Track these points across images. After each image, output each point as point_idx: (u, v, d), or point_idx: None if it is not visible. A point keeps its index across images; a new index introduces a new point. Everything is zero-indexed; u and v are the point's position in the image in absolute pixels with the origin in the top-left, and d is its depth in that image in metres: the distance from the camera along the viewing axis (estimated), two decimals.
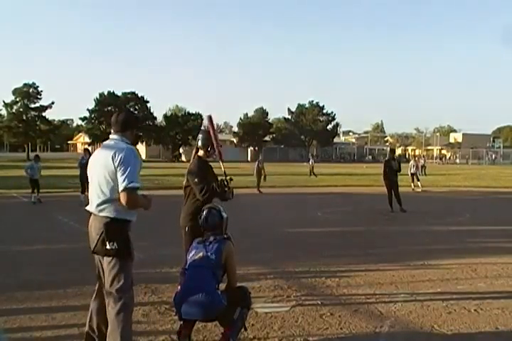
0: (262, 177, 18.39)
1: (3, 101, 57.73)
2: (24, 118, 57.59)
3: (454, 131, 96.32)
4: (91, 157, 3.46)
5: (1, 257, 6.83)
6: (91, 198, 3.30)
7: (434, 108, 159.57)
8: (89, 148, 19.14)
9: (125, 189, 3.10)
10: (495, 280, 5.62)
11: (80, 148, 78.15)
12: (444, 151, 79.03)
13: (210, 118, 4.51)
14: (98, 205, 3.21)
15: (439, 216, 11.93)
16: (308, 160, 26.67)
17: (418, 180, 19.67)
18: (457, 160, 67.95)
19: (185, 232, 4.40)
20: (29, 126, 57.60)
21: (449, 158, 73.53)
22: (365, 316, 4.34)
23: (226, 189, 4.27)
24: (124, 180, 3.10)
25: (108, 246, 3.12)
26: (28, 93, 57.48)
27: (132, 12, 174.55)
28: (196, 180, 4.27)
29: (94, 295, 3.42)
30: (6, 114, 59.58)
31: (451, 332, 4.00)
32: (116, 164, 3.13)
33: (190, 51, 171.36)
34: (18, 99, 57.61)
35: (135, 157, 3.22)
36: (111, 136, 3.39)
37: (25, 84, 57.51)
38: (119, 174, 3.13)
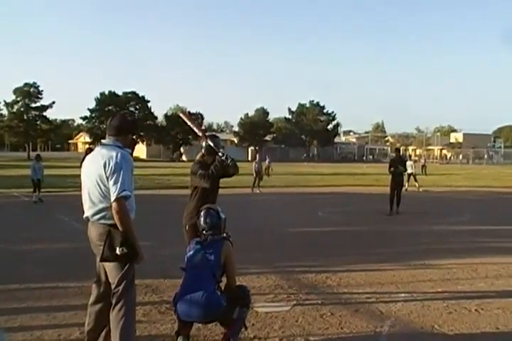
0: (259, 176, 18.35)
1: (4, 101, 57.81)
2: (25, 117, 57.55)
3: (455, 130, 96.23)
4: (83, 164, 3.40)
5: (1, 256, 6.84)
6: (85, 206, 3.29)
7: (435, 108, 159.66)
8: (93, 148, 19.16)
9: (116, 198, 3.09)
10: (495, 280, 5.62)
11: (81, 148, 78.14)
12: (444, 151, 78.97)
13: (183, 112, 4.57)
14: (94, 214, 3.22)
15: (440, 216, 11.92)
16: (265, 160, 26.65)
17: (416, 180, 19.49)
18: (460, 158, 67.90)
19: (186, 231, 4.44)
20: (30, 125, 57.61)
21: (450, 157, 73.46)
22: (365, 316, 4.34)
23: (228, 160, 4.33)
24: (115, 190, 3.09)
25: (118, 252, 3.13)
26: (28, 92, 57.46)
27: (133, 12, 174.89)
28: (199, 172, 4.42)
29: (92, 300, 3.40)
30: (6, 114, 59.56)
31: (452, 332, 4.00)
32: (107, 173, 3.12)
33: (190, 51, 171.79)
34: (18, 99, 57.59)
35: (126, 162, 3.18)
36: (103, 141, 3.38)
37: (26, 84, 57.48)
38: (110, 183, 3.12)
